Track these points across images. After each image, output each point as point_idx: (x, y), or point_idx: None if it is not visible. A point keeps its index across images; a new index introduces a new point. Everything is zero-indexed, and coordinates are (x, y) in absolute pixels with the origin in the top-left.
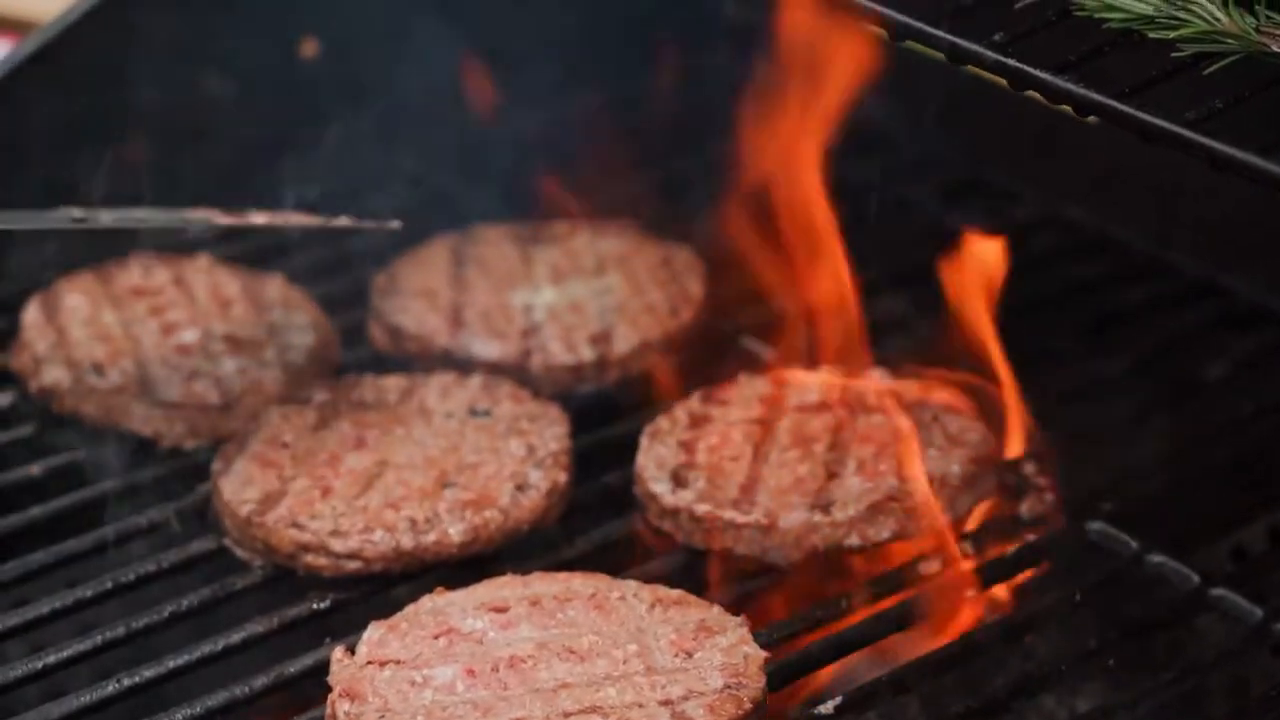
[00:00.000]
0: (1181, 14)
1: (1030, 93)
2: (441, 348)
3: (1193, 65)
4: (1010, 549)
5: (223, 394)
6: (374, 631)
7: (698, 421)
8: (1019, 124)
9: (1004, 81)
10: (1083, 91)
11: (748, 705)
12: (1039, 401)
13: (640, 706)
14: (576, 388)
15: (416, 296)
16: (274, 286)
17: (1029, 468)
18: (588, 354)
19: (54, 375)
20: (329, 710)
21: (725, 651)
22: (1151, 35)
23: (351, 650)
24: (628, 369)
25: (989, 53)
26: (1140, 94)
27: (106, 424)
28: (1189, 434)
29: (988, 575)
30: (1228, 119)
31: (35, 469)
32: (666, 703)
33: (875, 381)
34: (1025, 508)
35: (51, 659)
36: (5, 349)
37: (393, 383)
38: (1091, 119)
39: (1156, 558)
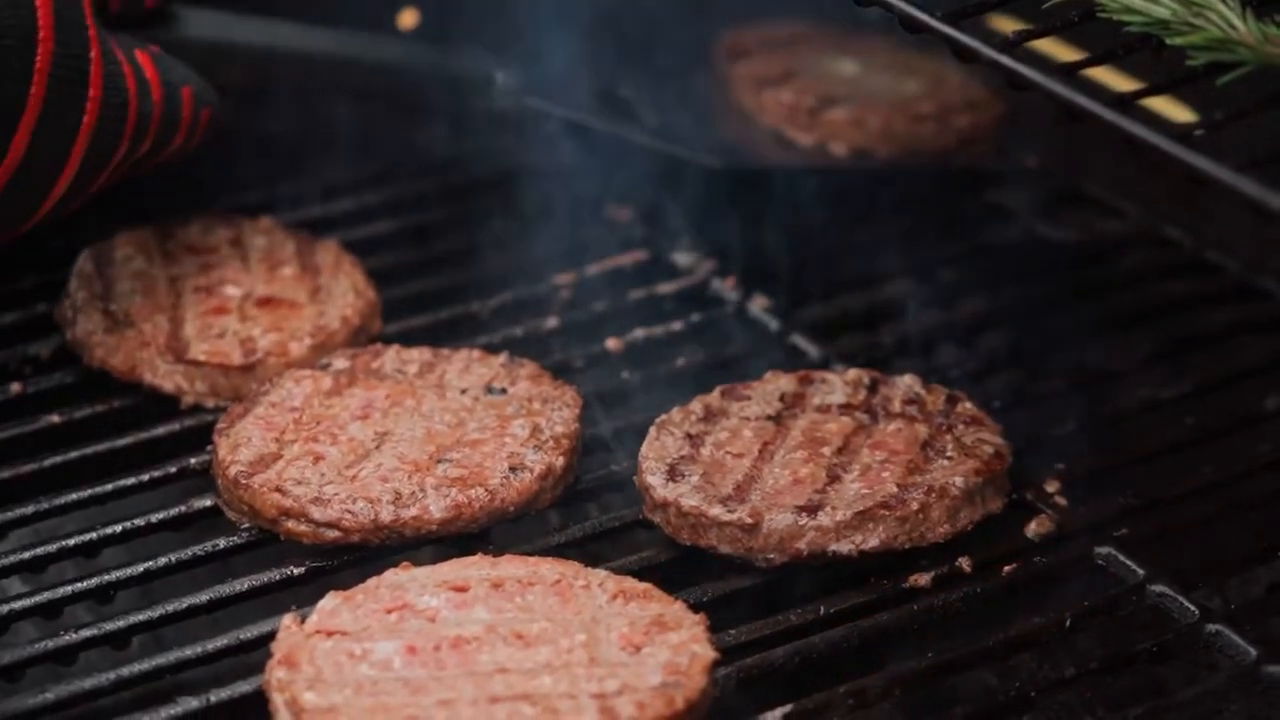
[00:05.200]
0: (1197, 20)
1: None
2: None
3: (1206, 74)
4: (1008, 567)
5: (246, 355)
6: (329, 601)
7: (712, 415)
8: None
9: None
10: (1070, 95)
11: (679, 705)
12: (1087, 418)
13: (571, 698)
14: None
15: None
16: (327, 252)
17: (1051, 486)
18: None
19: (86, 326)
20: (266, 676)
21: (673, 649)
22: (1168, 41)
23: (304, 619)
24: (831, 136)
25: (986, 49)
26: (1135, 102)
27: (133, 378)
28: (1229, 465)
29: (979, 592)
30: (1232, 133)
31: (55, 418)
32: (599, 696)
33: (905, 387)
34: (1033, 526)
35: (17, 605)
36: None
37: (415, 355)
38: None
39: (1159, 588)
